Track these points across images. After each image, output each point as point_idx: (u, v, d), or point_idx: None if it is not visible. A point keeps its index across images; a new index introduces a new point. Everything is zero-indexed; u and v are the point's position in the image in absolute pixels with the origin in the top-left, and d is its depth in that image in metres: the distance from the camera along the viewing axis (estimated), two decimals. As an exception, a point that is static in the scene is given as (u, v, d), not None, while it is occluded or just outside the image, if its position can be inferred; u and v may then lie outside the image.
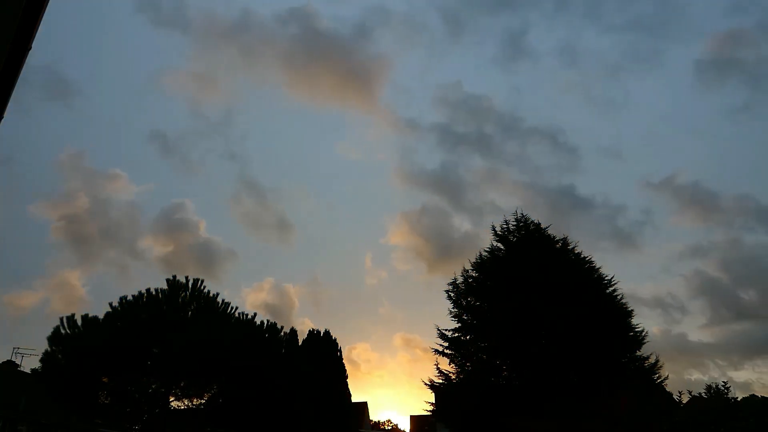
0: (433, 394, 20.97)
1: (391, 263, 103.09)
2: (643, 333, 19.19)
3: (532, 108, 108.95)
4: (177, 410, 25.06)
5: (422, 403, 21.78)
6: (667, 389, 18.51)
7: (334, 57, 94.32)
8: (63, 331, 23.06)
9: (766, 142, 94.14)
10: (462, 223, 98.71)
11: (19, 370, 32.45)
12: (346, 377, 40.06)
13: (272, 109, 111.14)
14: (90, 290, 76.79)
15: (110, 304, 23.95)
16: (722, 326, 76.40)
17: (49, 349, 22.95)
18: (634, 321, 19.57)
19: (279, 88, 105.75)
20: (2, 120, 4.45)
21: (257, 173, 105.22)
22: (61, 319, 23.26)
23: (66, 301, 77.58)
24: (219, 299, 26.08)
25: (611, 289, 19.92)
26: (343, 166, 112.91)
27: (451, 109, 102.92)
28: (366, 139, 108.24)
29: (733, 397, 14.40)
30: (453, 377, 20.61)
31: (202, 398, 25.00)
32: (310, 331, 40.25)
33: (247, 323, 26.77)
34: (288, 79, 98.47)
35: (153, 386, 23.72)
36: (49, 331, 23.21)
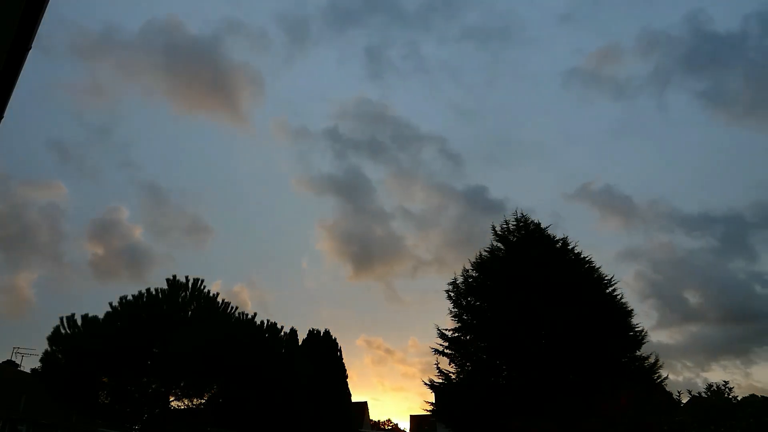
0: (433, 394, 20.99)
1: (320, 267, 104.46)
2: (643, 333, 19.24)
3: (422, 115, 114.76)
4: (177, 410, 25.06)
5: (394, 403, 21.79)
6: (667, 389, 18.54)
7: (202, 68, 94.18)
8: (63, 331, 23.05)
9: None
10: (373, 226, 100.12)
11: (19, 370, 32.49)
12: (346, 377, 40.08)
13: (162, 120, 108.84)
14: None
15: (110, 304, 23.97)
16: (674, 328, 77.13)
17: (49, 349, 22.95)
18: (633, 321, 19.63)
19: (163, 102, 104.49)
20: (2, 120, 4.45)
21: (162, 180, 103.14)
22: (61, 319, 23.27)
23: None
24: (219, 299, 26.12)
25: (611, 289, 19.94)
26: (240, 174, 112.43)
27: (343, 117, 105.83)
28: (261, 147, 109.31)
29: (733, 397, 14.40)
30: (453, 377, 20.62)
31: (202, 398, 25.00)
32: (310, 330, 40.32)
33: (247, 323, 26.78)
34: (166, 90, 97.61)
35: (153, 386, 23.72)
36: (49, 331, 23.25)
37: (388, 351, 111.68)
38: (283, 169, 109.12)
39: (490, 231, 22.74)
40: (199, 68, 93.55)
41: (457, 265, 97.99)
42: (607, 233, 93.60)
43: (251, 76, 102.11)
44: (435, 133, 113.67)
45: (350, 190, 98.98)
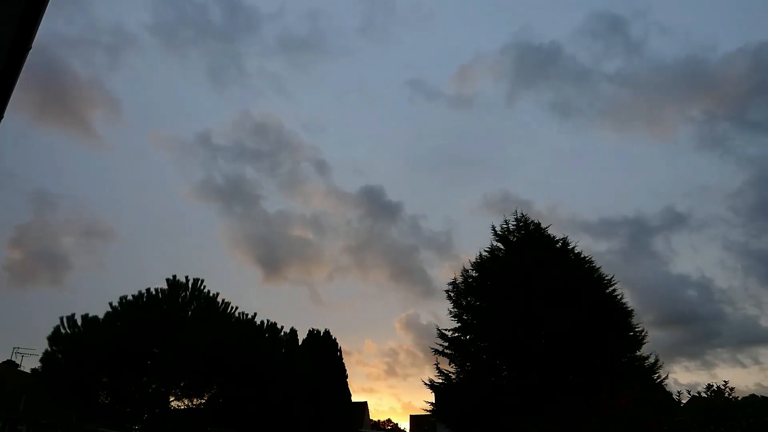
0: (433, 394, 20.98)
1: (231, 272, 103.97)
2: (643, 333, 19.25)
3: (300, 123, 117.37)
4: (177, 410, 25.06)
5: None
6: (667, 389, 18.53)
7: (62, 80, 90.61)
8: (63, 331, 23.05)
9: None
10: (275, 231, 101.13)
11: (19, 370, 32.50)
12: (346, 377, 40.08)
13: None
14: None
15: (110, 304, 23.98)
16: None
17: (49, 349, 22.95)
18: (633, 321, 19.62)
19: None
20: (2, 120, 4.44)
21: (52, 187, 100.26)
22: (61, 319, 23.27)
23: None
24: (219, 299, 26.11)
25: (611, 289, 19.94)
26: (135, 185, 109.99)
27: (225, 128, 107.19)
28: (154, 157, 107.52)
29: (733, 397, 14.39)
30: (453, 377, 20.61)
31: (202, 398, 25.00)
32: (310, 330, 40.33)
33: (247, 323, 26.77)
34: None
35: (153, 386, 23.71)
36: (49, 331, 23.25)
37: (345, 353, 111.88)
38: (173, 179, 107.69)
39: (491, 231, 22.78)
40: (61, 80, 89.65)
41: (369, 265, 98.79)
42: None
43: (111, 89, 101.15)
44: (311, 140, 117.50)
45: (239, 196, 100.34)
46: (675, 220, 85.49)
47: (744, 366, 61.20)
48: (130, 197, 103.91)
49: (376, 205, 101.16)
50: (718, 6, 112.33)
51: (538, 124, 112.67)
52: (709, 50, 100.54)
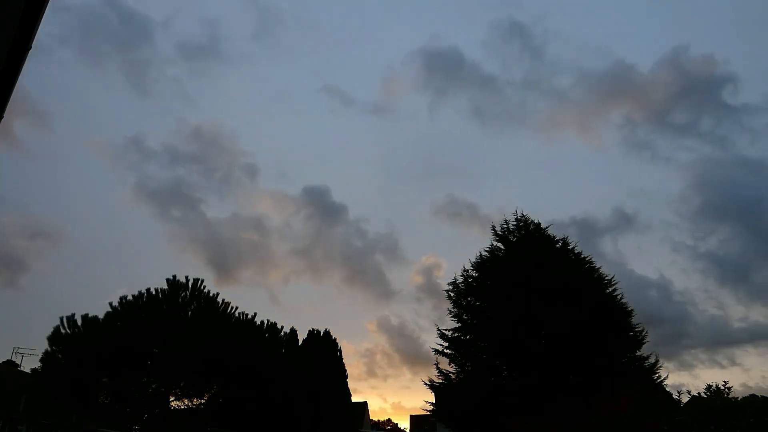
0: (433, 394, 20.98)
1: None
2: (643, 333, 19.24)
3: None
4: (177, 410, 25.06)
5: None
6: (667, 389, 18.53)
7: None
8: (63, 331, 23.05)
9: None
10: (226, 234, 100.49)
11: (19, 370, 32.49)
12: (346, 377, 40.08)
13: None
14: None
15: (110, 304, 23.99)
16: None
17: (49, 349, 22.94)
18: (633, 321, 19.62)
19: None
20: (2, 120, 4.44)
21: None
22: (61, 319, 23.26)
23: None
24: (219, 299, 26.12)
25: (611, 289, 19.93)
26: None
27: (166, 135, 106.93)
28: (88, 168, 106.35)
29: (733, 397, 14.40)
30: (453, 377, 20.61)
31: (202, 398, 25.00)
32: (309, 331, 40.34)
33: (246, 323, 26.77)
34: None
35: (153, 386, 23.71)
36: (49, 331, 23.25)
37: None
38: (113, 185, 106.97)
39: (491, 231, 22.77)
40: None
41: (323, 267, 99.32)
42: (470, 242, 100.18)
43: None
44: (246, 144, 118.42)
45: (179, 200, 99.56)
46: (622, 222, 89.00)
47: (723, 366, 61.62)
48: (75, 204, 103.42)
49: (321, 206, 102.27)
50: (633, 12, 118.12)
51: (471, 131, 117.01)
52: (628, 57, 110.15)
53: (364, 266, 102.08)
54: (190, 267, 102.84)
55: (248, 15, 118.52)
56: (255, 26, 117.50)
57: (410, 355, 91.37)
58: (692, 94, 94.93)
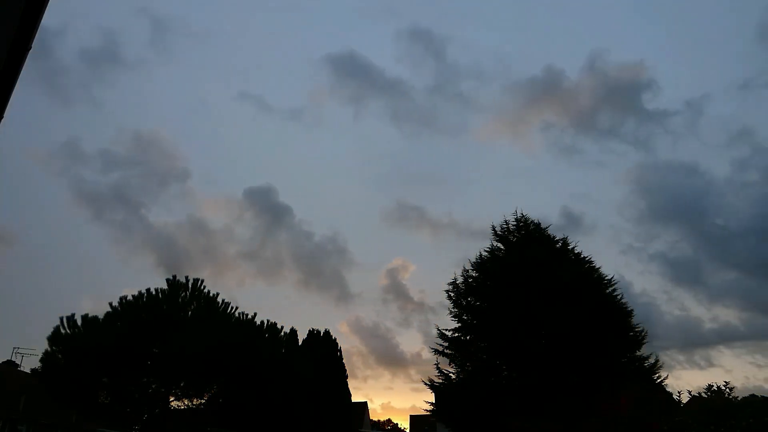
0: (433, 394, 20.98)
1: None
2: (643, 333, 19.25)
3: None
4: (177, 410, 25.06)
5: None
6: (667, 389, 18.54)
7: None
8: (63, 331, 23.05)
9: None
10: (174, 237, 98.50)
11: (19, 370, 32.48)
12: (346, 377, 40.08)
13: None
14: None
15: (110, 304, 23.99)
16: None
17: (49, 349, 22.94)
18: (633, 321, 19.63)
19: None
20: (2, 120, 4.44)
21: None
22: (61, 319, 23.26)
23: None
24: (219, 299, 26.12)
25: (611, 289, 19.94)
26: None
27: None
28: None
29: (733, 397, 14.41)
30: (453, 377, 20.61)
31: (202, 398, 24.99)
32: (309, 331, 40.34)
33: (247, 323, 26.77)
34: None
35: (153, 386, 23.71)
36: (49, 331, 23.25)
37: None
38: (57, 192, 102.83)
39: (491, 231, 22.78)
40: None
41: (272, 268, 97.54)
42: (422, 245, 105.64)
43: None
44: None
45: (122, 205, 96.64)
46: (570, 224, 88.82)
47: (701, 367, 61.98)
48: (30, 210, 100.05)
49: (265, 208, 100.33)
50: (555, 18, 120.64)
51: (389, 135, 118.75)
52: (555, 63, 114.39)
53: (318, 268, 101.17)
54: (142, 272, 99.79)
55: (155, 23, 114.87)
56: (151, 34, 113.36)
57: (386, 356, 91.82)
58: (615, 98, 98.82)
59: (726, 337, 73.87)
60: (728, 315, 77.95)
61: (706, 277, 72.66)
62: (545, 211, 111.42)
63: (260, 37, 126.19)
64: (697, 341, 63.33)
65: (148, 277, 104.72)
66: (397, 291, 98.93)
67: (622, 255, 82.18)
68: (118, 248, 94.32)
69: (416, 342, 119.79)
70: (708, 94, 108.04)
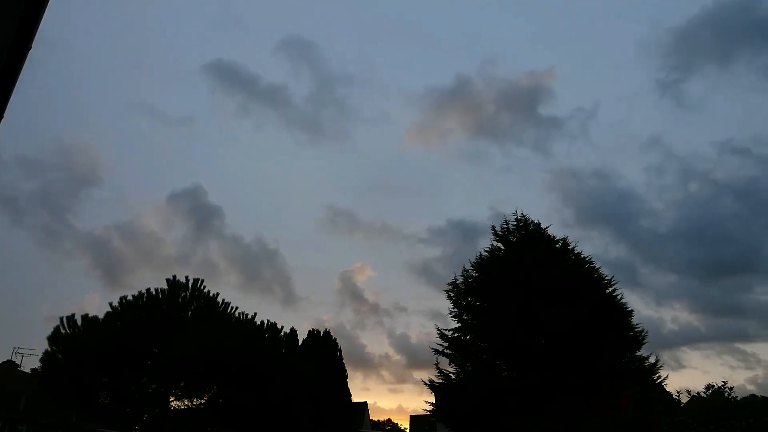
0: (433, 394, 20.97)
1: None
2: (643, 333, 19.24)
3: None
4: (177, 410, 25.06)
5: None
6: (667, 389, 18.53)
7: None
8: (63, 331, 23.06)
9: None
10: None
11: (19, 370, 32.50)
12: (346, 377, 40.07)
13: None
14: None
15: (110, 304, 24.00)
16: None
17: (49, 349, 22.95)
18: (633, 321, 19.62)
19: None
20: (2, 120, 4.45)
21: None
22: (61, 319, 23.29)
23: None
24: (219, 299, 26.11)
25: (611, 289, 19.94)
26: None
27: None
28: None
29: (733, 397, 14.40)
30: (453, 377, 20.61)
31: (202, 398, 24.99)
32: (310, 331, 40.35)
33: (247, 323, 26.77)
34: None
35: (153, 386, 23.71)
36: (49, 331, 23.25)
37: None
38: None
39: (491, 231, 22.77)
40: None
41: (209, 270, 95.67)
42: (355, 247, 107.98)
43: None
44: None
45: (47, 209, 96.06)
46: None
47: (673, 368, 62.11)
48: None
49: (196, 211, 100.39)
50: (454, 26, 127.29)
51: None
52: (463, 71, 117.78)
53: (256, 272, 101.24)
54: (78, 274, 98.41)
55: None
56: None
57: (354, 357, 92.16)
58: (516, 106, 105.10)
59: (687, 338, 74.91)
60: (681, 317, 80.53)
61: (645, 280, 74.33)
62: (475, 215, 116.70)
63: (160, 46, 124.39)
64: (660, 343, 64.02)
65: (83, 281, 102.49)
66: (352, 294, 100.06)
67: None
68: (46, 253, 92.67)
69: (382, 344, 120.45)
70: (603, 101, 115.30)
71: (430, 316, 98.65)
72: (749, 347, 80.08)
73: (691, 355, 76.34)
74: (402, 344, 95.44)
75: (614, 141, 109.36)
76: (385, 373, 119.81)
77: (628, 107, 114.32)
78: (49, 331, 23.35)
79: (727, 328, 76.70)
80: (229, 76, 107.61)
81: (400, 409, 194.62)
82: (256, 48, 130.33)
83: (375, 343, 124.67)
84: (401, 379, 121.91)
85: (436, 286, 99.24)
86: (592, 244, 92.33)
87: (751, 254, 68.85)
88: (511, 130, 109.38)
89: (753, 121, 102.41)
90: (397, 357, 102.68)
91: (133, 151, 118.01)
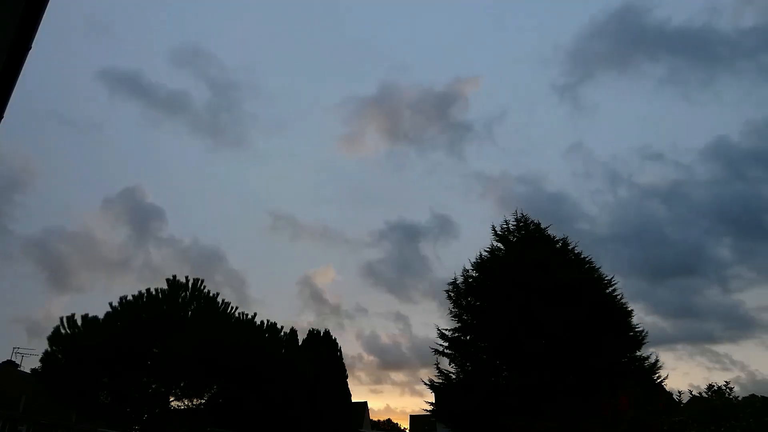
0: (433, 394, 20.98)
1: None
2: (643, 333, 19.24)
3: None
4: (177, 410, 25.06)
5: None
6: (667, 389, 18.55)
7: None
8: (63, 331, 23.04)
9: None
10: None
11: (19, 370, 32.48)
12: (346, 377, 40.05)
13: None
14: None
15: (110, 304, 23.98)
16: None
17: (49, 349, 22.93)
18: (633, 321, 19.62)
19: None
20: (2, 120, 4.44)
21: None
22: (61, 319, 23.27)
23: None
24: (219, 299, 26.12)
25: (611, 289, 19.94)
26: None
27: None
28: None
29: (733, 397, 14.42)
30: (453, 377, 20.61)
31: (202, 398, 24.99)
32: (309, 330, 40.32)
33: (246, 323, 26.76)
34: None
35: (153, 386, 23.71)
36: (49, 331, 23.25)
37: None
38: None
39: (490, 231, 22.78)
40: None
41: (157, 272, 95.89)
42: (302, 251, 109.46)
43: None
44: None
45: None
46: (444, 230, 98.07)
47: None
48: None
49: (136, 212, 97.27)
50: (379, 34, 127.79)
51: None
52: (388, 79, 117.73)
53: (205, 274, 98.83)
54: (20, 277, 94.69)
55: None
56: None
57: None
58: (432, 112, 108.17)
59: (655, 340, 75.02)
60: (640, 320, 79.81)
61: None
62: (415, 217, 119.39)
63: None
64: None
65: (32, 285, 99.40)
66: (312, 296, 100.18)
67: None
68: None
69: (353, 346, 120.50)
70: (513, 108, 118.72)
71: (390, 318, 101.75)
72: (719, 348, 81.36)
73: (664, 357, 76.96)
74: (372, 345, 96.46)
75: (532, 147, 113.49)
76: (361, 374, 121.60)
77: (535, 113, 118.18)
78: None
79: (690, 330, 77.81)
80: (129, 84, 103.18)
81: (388, 410, 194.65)
82: (153, 55, 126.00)
83: (348, 345, 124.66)
84: (378, 380, 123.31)
85: (384, 287, 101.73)
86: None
87: (693, 257, 71.05)
88: (427, 135, 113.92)
89: (664, 127, 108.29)
90: (370, 358, 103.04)
91: (54, 158, 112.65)
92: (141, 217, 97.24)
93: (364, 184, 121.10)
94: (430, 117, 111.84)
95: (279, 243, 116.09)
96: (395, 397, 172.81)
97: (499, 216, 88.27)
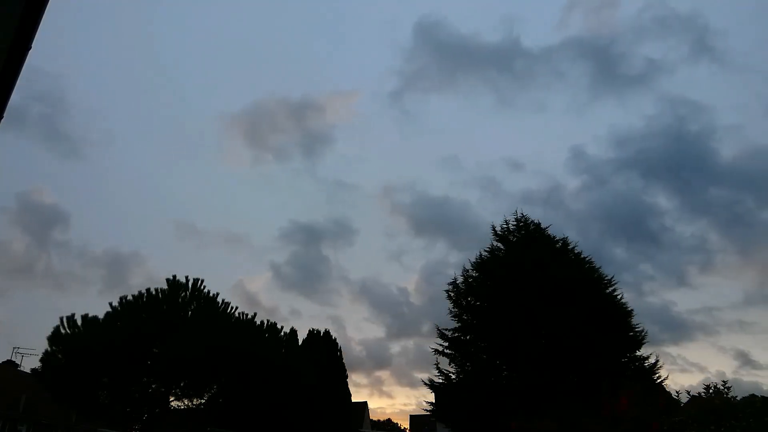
0: (433, 393, 20.98)
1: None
2: (643, 333, 19.24)
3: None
4: (177, 410, 25.06)
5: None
6: (667, 389, 18.54)
7: None
8: (63, 331, 23.04)
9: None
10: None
11: (19, 370, 32.48)
12: (346, 377, 40.06)
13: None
14: None
15: (110, 304, 23.98)
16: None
17: (49, 349, 22.94)
18: (633, 321, 19.62)
19: None
20: (2, 120, 4.45)
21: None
22: (61, 319, 23.27)
23: None
24: (219, 299, 26.12)
25: (611, 289, 19.94)
26: None
27: None
28: None
29: (733, 397, 14.42)
30: (453, 377, 20.61)
31: (202, 398, 25.00)
32: (309, 330, 40.31)
33: (246, 323, 26.77)
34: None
35: (153, 386, 23.72)
36: (49, 331, 23.24)
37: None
38: None
39: (491, 231, 22.77)
40: None
41: (71, 278, 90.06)
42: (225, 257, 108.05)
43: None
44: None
45: None
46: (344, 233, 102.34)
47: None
48: None
49: (38, 217, 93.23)
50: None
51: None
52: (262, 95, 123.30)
53: (120, 279, 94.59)
54: None
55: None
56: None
57: None
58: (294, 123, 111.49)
59: None
60: None
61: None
62: (311, 219, 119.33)
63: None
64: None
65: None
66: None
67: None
68: None
69: None
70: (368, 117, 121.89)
71: (327, 321, 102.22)
72: (672, 350, 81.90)
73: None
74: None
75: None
76: (359, 375, 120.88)
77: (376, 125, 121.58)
78: None
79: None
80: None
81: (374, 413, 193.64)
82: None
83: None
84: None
85: (295, 290, 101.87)
86: (435, 251, 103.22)
87: (602, 263, 70.96)
88: (287, 145, 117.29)
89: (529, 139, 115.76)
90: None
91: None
92: (42, 219, 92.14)
93: (254, 190, 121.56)
94: (293, 126, 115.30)
95: (185, 248, 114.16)
96: (374, 398, 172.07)
97: (393, 225, 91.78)
